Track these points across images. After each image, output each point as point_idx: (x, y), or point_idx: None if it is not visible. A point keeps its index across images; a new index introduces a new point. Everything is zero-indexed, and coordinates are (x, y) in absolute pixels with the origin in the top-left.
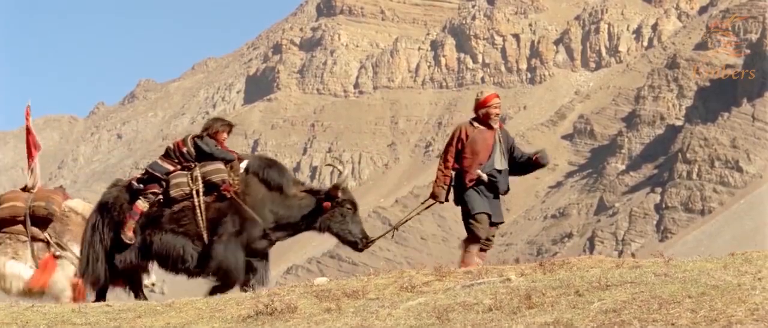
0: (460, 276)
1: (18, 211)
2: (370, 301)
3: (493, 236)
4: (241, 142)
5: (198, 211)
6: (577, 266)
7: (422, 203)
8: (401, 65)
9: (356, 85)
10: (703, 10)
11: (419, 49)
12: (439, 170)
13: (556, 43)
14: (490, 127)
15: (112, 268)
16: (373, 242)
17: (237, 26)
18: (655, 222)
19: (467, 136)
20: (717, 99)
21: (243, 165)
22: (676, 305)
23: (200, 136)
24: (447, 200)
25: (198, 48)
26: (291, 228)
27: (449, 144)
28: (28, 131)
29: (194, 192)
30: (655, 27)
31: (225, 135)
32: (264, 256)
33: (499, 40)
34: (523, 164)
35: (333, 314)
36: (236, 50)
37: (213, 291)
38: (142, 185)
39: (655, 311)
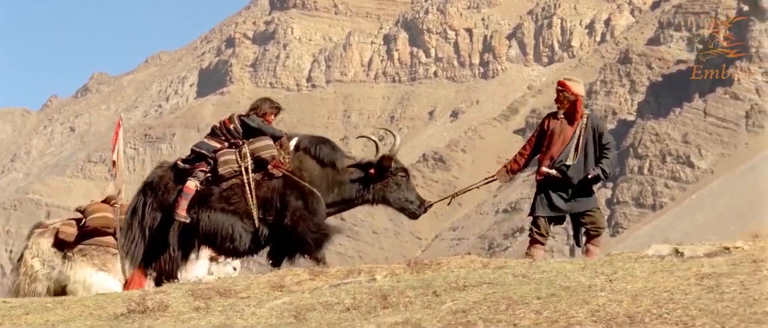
0: (332, 275)
1: (110, 222)
2: (239, 300)
3: (596, 220)
4: (194, 135)
5: (247, 188)
6: (446, 266)
7: (485, 178)
8: (354, 59)
9: (309, 79)
10: (655, 5)
11: (372, 43)
12: (517, 153)
13: (509, 37)
14: (570, 120)
15: (155, 250)
16: (430, 206)
17: (190, 20)
18: (606, 217)
19: (548, 128)
20: (669, 94)
21: (293, 143)
22: (523, 305)
23: (247, 115)
24: (509, 181)
25: (151, 41)
26: (345, 204)
27: (533, 132)
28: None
29: (243, 169)
30: (607, 22)
31: (272, 118)
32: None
33: (452, 34)
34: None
35: (201, 312)
36: (189, 43)
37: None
38: (188, 165)
39: (501, 311)
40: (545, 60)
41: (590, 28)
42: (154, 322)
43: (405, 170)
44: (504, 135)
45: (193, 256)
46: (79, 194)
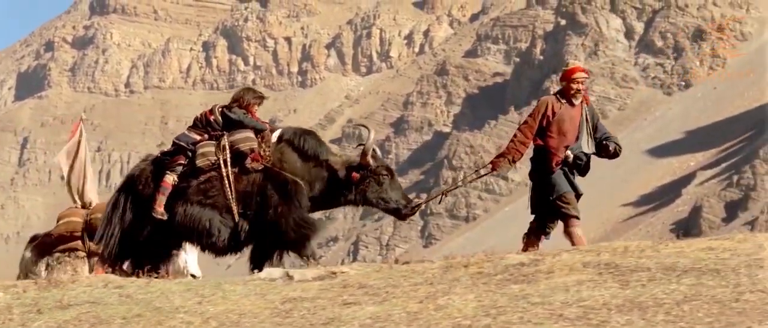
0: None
1: (75, 226)
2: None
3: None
4: (11, 139)
5: (226, 182)
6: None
7: (476, 171)
8: (172, 65)
9: (127, 85)
10: (474, 17)
11: (191, 49)
12: (516, 141)
13: (328, 47)
14: (572, 104)
15: (133, 245)
16: (419, 206)
17: (11, 23)
18: (419, 228)
19: (554, 113)
20: (485, 106)
21: (275, 135)
22: (104, 326)
23: (229, 107)
24: (509, 170)
25: None
26: (327, 202)
27: (533, 118)
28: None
29: (221, 161)
30: (427, 33)
31: (256, 108)
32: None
33: (270, 42)
34: (599, 145)
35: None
36: (9, 47)
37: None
38: (168, 157)
39: None
40: (363, 70)
41: (409, 39)
42: None
43: (387, 168)
44: None
45: (174, 251)
46: None
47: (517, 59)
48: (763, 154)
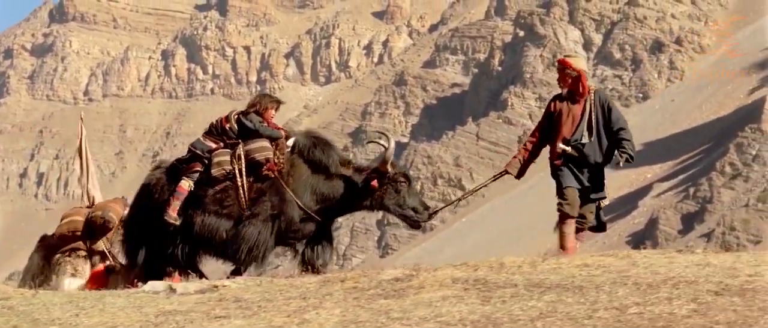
0: None
1: (77, 225)
2: None
3: (592, 212)
4: None
5: (241, 191)
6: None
7: (494, 176)
8: (131, 74)
9: (86, 93)
10: (433, 28)
11: (150, 58)
12: (525, 142)
13: (287, 56)
14: (574, 99)
15: (154, 252)
16: (436, 213)
17: None
18: (376, 238)
19: (556, 110)
20: (443, 117)
21: (290, 142)
22: None
23: (245, 113)
24: (521, 175)
25: None
26: (340, 208)
27: (541, 119)
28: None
29: (236, 171)
30: (386, 43)
31: (273, 112)
32: (324, 237)
33: (229, 51)
34: (612, 142)
35: None
36: None
37: (234, 272)
38: (183, 165)
39: None
40: (322, 80)
41: (368, 49)
42: None
43: (405, 175)
44: None
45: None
46: None
47: (476, 70)
48: (719, 167)
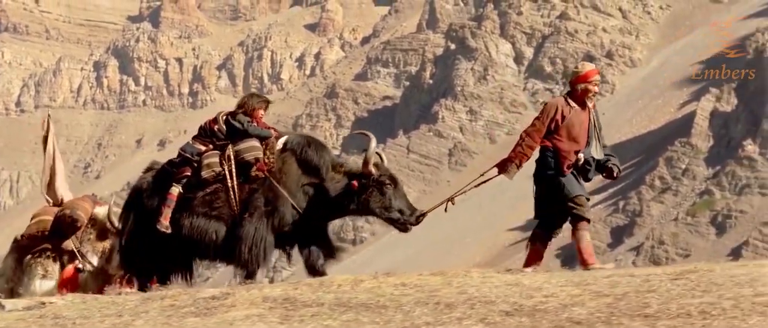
0: None
1: (46, 225)
2: None
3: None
4: None
5: (231, 193)
6: None
7: (482, 174)
8: (63, 85)
9: (18, 104)
10: (365, 40)
11: (82, 69)
12: (524, 145)
13: (219, 68)
14: (584, 107)
15: (145, 258)
16: (424, 215)
17: None
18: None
19: (563, 116)
20: (374, 130)
21: (281, 142)
22: None
23: (234, 114)
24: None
25: None
26: (330, 212)
27: (541, 121)
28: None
29: (226, 172)
30: (318, 56)
31: (261, 112)
32: (321, 238)
33: (162, 63)
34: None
35: None
36: None
37: (247, 277)
38: (174, 169)
39: None
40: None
41: (300, 61)
42: None
43: (391, 177)
44: None
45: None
46: None
47: (407, 83)
48: (649, 181)
